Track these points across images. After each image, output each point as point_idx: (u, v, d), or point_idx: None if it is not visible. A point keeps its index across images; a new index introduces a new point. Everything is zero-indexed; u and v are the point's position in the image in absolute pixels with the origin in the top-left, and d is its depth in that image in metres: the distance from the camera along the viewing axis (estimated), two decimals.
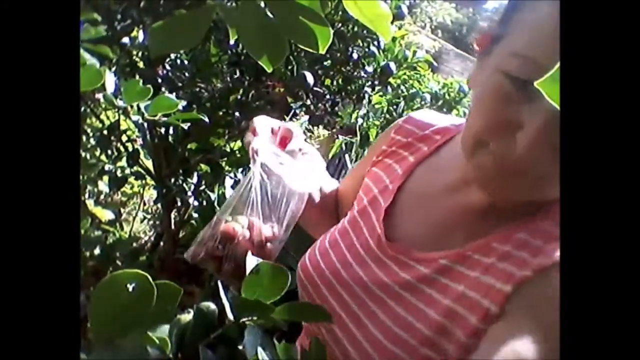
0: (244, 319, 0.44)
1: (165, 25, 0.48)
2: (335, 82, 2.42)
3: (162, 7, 1.70)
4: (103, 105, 2.12)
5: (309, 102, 2.42)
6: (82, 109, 2.21)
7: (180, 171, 2.28)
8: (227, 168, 2.35)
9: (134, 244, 2.79)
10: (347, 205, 1.00)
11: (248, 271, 0.48)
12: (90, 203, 2.67)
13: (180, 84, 2.07)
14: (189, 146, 2.23)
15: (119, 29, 1.75)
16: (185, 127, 1.31)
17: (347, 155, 3.41)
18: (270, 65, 0.46)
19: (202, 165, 2.31)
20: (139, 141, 2.34)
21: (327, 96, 2.43)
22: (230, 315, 0.44)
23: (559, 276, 0.59)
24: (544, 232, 0.68)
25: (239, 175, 2.38)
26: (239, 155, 2.30)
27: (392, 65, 2.41)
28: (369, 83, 2.47)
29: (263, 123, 0.85)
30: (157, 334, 0.38)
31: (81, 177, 2.47)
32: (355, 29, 2.20)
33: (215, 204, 2.35)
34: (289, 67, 2.16)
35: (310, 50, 0.47)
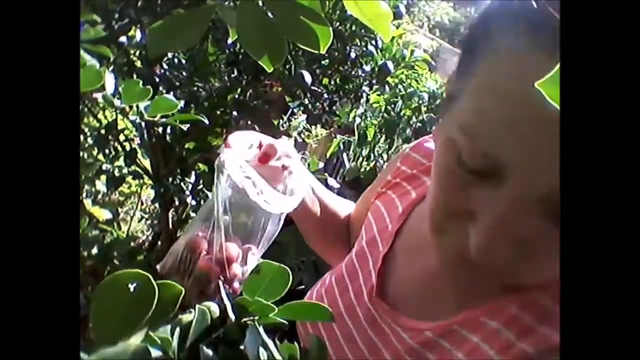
0: (245, 319, 0.44)
1: (164, 25, 0.48)
2: (333, 81, 2.42)
3: (160, 7, 1.70)
4: (101, 105, 2.12)
5: (306, 101, 2.41)
6: (80, 108, 2.21)
7: (178, 170, 2.28)
8: None
9: (132, 244, 2.79)
10: (357, 232, 0.93)
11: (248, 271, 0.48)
12: (87, 202, 2.67)
13: (177, 84, 2.07)
14: (186, 145, 2.23)
15: (117, 28, 1.75)
16: (184, 127, 1.31)
17: (344, 155, 3.41)
18: (270, 65, 0.46)
19: (200, 165, 2.31)
20: (137, 140, 2.33)
21: (325, 95, 2.43)
22: (231, 315, 0.44)
23: None
24: (539, 307, 0.58)
25: None
26: None
27: (390, 65, 2.41)
28: (367, 82, 2.46)
29: (238, 138, 0.79)
30: (158, 334, 0.38)
31: None
32: (353, 28, 2.20)
33: None
34: (287, 67, 2.16)
35: (310, 50, 0.47)
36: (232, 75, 2.20)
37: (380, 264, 0.78)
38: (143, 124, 1.98)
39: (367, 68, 2.40)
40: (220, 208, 0.66)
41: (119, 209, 3.05)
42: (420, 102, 3.22)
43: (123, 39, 1.79)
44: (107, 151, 2.28)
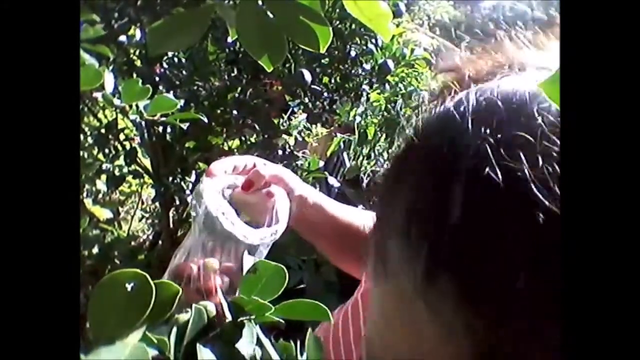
0: (242, 318, 0.44)
1: (164, 24, 0.48)
2: (333, 80, 2.42)
3: (160, 6, 1.70)
4: (101, 104, 2.12)
5: (307, 100, 2.41)
6: (80, 107, 2.21)
7: (179, 170, 2.27)
8: None
9: (132, 243, 2.79)
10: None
11: (245, 270, 0.48)
12: (88, 202, 2.67)
13: (177, 83, 2.07)
14: (187, 145, 2.23)
15: (116, 27, 1.75)
16: (184, 126, 1.31)
17: (345, 153, 3.40)
18: (270, 65, 0.46)
19: (200, 164, 2.31)
20: (137, 140, 2.33)
21: (325, 94, 2.43)
22: (228, 315, 0.44)
23: None
24: None
25: None
26: (237, 154, 2.30)
27: (390, 63, 2.41)
28: (367, 81, 2.46)
29: (220, 165, 0.77)
30: (155, 334, 0.38)
31: None
32: (353, 26, 2.20)
33: None
34: (287, 65, 2.16)
35: (310, 49, 0.47)
36: (232, 74, 2.20)
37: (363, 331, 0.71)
38: (143, 123, 1.98)
39: (367, 66, 2.40)
40: (198, 233, 0.66)
41: (120, 209, 3.05)
42: (421, 100, 3.21)
43: (123, 38, 1.79)
44: (107, 150, 2.28)
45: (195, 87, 2.14)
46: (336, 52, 2.25)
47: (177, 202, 2.42)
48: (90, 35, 0.98)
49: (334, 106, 2.54)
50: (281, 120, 2.42)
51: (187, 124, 1.94)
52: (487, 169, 0.31)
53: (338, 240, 0.90)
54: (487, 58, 0.43)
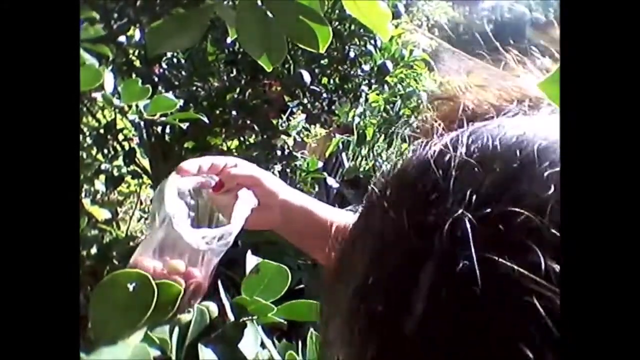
0: (244, 319, 0.44)
1: (164, 25, 0.48)
2: (332, 81, 2.42)
3: (159, 6, 1.70)
4: (100, 104, 2.12)
5: (305, 100, 2.41)
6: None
7: None
8: None
9: (131, 243, 2.78)
10: None
11: (248, 270, 0.48)
12: (86, 202, 2.67)
13: (176, 83, 2.07)
14: (185, 145, 2.23)
15: (116, 27, 1.75)
16: (183, 126, 1.31)
17: (344, 154, 3.41)
18: (269, 65, 0.46)
19: None
20: (136, 140, 2.33)
21: (324, 95, 2.43)
22: (230, 315, 0.44)
23: None
24: None
25: None
26: (236, 154, 2.30)
27: (389, 64, 2.41)
28: (366, 82, 2.46)
29: (191, 165, 0.75)
30: (157, 334, 0.38)
31: None
32: (352, 27, 2.20)
33: None
34: (286, 66, 2.16)
35: (309, 50, 0.47)
36: (231, 75, 2.20)
37: None
38: (142, 123, 1.98)
39: (366, 67, 2.40)
40: (156, 230, 0.65)
41: (118, 209, 3.05)
42: (419, 101, 3.22)
43: (122, 38, 1.79)
44: (106, 151, 2.28)
45: (194, 88, 2.14)
46: (335, 53, 2.25)
47: None
48: (91, 34, 0.98)
49: (333, 107, 2.54)
50: (280, 121, 2.42)
51: (186, 124, 1.94)
52: (461, 262, 0.23)
53: (326, 244, 0.88)
54: (494, 87, 0.34)
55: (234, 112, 2.17)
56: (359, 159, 3.35)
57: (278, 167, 2.45)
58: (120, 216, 3.08)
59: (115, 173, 2.35)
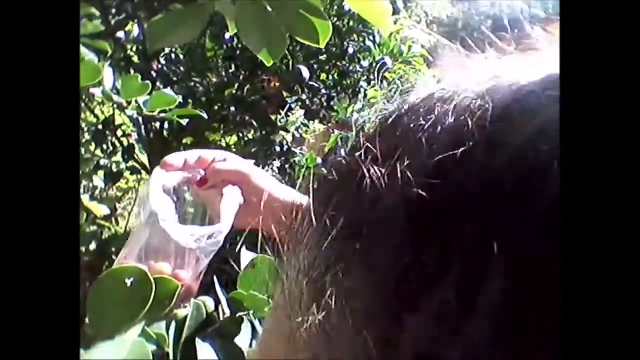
0: (240, 313, 0.44)
1: (164, 20, 0.48)
2: (330, 77, 2.42)
3: (157, 2, 1.70)
4: (99, 100, 2.11)
5: (304, 96, 2.41)
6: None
7: None
8: None
9: None
10: None
11: (244, 265, 0.48)
12: (85, 198, 2.67)
13: (175, 79, 2.06)
14: (184, 141, 2.23)
15: (114, 23, 1.75)
16: (182, 122, 1.30)
17: (342, 150, 3.40)
18: (270, 60, 0.46)
19: None
20: (134, 136, 2.33)
21: (323, 91, 2.43)
22: (227, 310, 0.44)
23: None
24: None
25: None
26: (234, 150, 2.30)
27: (388, 60, 2.41)
28: (365, 78, 2.46)
29: (176, 159, 0.72)
30: (154, 329, 0.38)
31: None
32: (351, 23, 2.20)
33: None
34: (285, 62, 2.16)
35: (308, 44, 0.47)
36: (230, 71, 2.19)
37: None
38: (141, 119, 1.98)
39: (365, 63, 2.40)
40: (144, 221, 0.63)
41: (117, 205, 3.05)
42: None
43: (121, 34, 1.78)
44: (104, 147, 2.28)
45: (193, 84, 2.14)
46: (334, 49, 2.25)
47: None
48: (89, 30, 0.98)
49: (332, 103, 2.54)
50: (279, 117, 2.42)
51: (185, 120, 1.94)
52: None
53: None
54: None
55: (232, 108, 2.17)
56: None
57: (277, 163, 2.46)
58: (119, 212, 3.08)
59: (114, 169, 2.36)
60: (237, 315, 0.44)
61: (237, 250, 0.68)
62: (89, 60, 0.80)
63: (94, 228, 2.57)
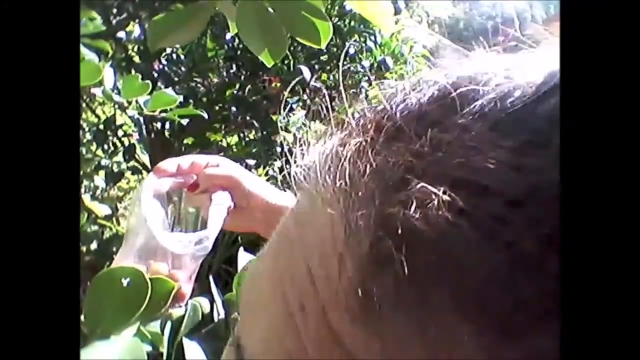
0: (234, 315, 0.44)
1: (165, 20, 0.48)
2: (332, 77, 2.42)
3: (158, 2, 1.70)
4: (100, 100, 2.12)
5: (305, 97, 2.41)
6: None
7: None
8: None
9: None
10: None
11: (240, 267, 0.48)
12: (86, 198, 2.67)
13: (176, 79, 2.07)
14: (185, 141, 2.23)
15: (115, 23, 1.75)
16: (183, 122, 1.31)
17: None
18: (270, 60, 0.46)
19: None
20: (135, 136, 2.33)
21: (324, 91, 2.43)
22: (221, 311, 0.44)
23: None
24: None
25: None
26: (235, 150, 2.30)
27: (389, 60, 2.41)
28: (366, 78, 2.46)
29: (169, 164, 0.72)
30: (150, 329, 0.38)
31: None
32: (352, 23, 2.20)
33: None
34: (286, 62, 2.16)
35: (309, 45, 0.47)
36: (231, 71, 2.20)
37: None
38: (142, 119, 1.98)
39: (366, 64, 2.40)
40: (137, 228, 0.64)
41: (118, 205, 3.05)
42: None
43: (121, 34, 1.78)
44: (105, 146, 2.28)
45: (194, 84, 2.14)
46: (335, 50, 2.25)
47: None
48: (90, 30, 0.98)
49: (333, 103, 2.53)
50: (279, 117, 2.42)
51: (186, 120, 1.94)
52: None
53: None
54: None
55: (233, 108, 2.17)
56: None
57: (277, 164, 2.46)
58: (120, 212, 3.08)
59: (115, 169, 2.36)
60: (232, 316, 0.44)
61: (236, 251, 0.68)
62: (90, 60, 0.80)
63: (94, 228, 2.58)
